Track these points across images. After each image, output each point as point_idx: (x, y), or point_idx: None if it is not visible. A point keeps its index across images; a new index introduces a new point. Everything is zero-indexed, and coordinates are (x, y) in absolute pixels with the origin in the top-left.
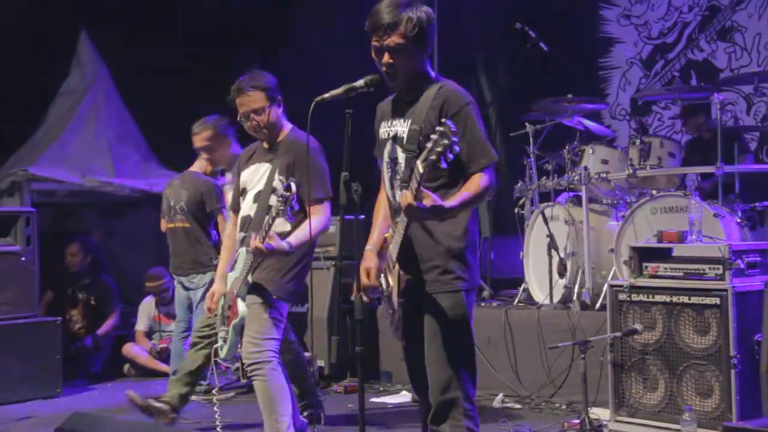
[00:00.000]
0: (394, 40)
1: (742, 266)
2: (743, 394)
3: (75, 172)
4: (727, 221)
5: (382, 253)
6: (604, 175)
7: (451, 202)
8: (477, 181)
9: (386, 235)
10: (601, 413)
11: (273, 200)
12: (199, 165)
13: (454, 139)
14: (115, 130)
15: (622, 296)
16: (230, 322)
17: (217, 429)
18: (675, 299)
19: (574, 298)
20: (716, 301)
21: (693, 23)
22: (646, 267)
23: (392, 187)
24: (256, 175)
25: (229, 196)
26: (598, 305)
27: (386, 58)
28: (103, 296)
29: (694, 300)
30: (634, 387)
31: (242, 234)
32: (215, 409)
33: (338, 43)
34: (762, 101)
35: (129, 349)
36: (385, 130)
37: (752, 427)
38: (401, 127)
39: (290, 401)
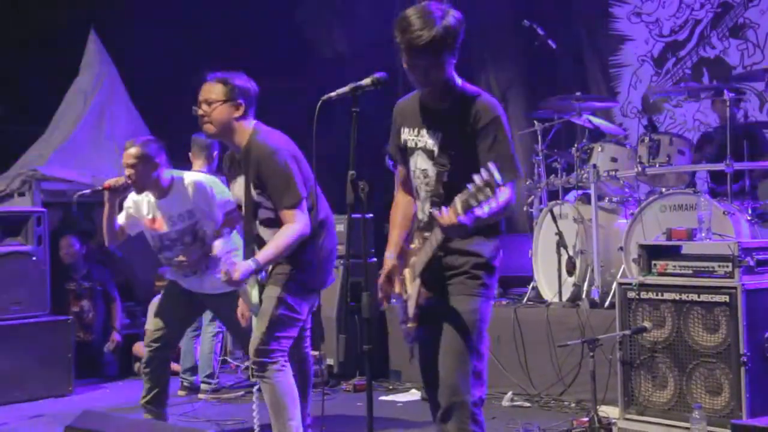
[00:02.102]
0: (430, 60)
1: (751, 264)
2: (753, 392)
3: (85, 171)
4: (737, 219)
5: (401, 255)
6: (613, 172)
7: (482, 211)
8: (505, 195)
9: (412, 246)
10: (610, 411)
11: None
12: (198, 164)
13: (497, 191)
14: (124, 129)
15: (631, 294)
16: None
17: (255, 427)
18: (684, 297)
19: (583, 296)
20: (726, 298)
21: (705, 20)
22: (655, 265)
23: (419, 198)
24: (241, 190)
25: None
26: (607, 303)
27: (419, 72)
28: (106, 281)
29: (704, 298)
30: (643, 385)
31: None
32: (253, 408)
33: None
34: None
35: (140, 348)
36: (411, 138)
37: (762, 425)
38: (430, 139)
39: (298, 404)
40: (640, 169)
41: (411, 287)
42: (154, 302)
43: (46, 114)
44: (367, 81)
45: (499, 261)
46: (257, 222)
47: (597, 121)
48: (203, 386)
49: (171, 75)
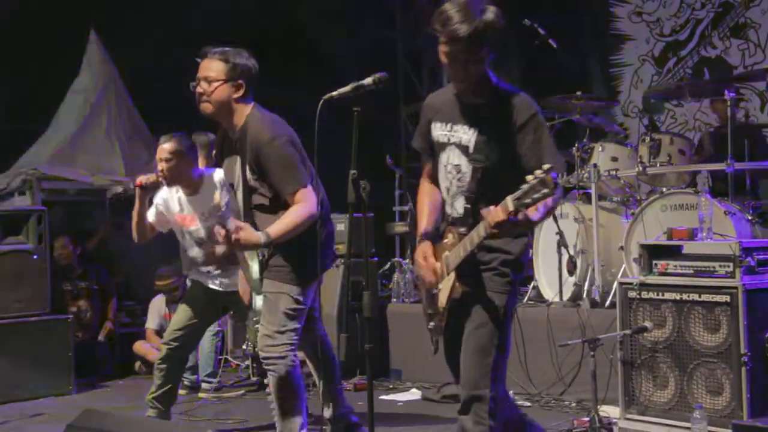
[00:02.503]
0: (470, 53)
1: (752, 264)
2: (754, 392)
3: (85, 170)
4: (738, 218)
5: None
6: (614, 172)
7: (536, 214)
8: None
9: (444, 240)
10: (610, 411)
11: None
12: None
13: (557, 191)
14: (124, 128)
15: (631, 294)
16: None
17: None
18: (685, 297)
19: (584, 295)
20: (726, 298)
21: (706, 20)
22: (656, 264)
23: (448, 194)
24: (234, 171)
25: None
26: (607, 303)
27: (458, 66)
28: (102, 277)
29: (705, 297)
30: (644, 385)
31: None
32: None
33: None
34: None
35: (140, 346)
36: (444, 133)
37: (762, 425)
38: (465, 135)
39: (304, 398)
40: (640, 168)
41: (444, 283)
42: (155, 301)
43: (46, 113)
44: (368, 80)
45: (527, 259)
46: (251, 207)
47: (598, 120)
48: (204, 385)
49: (171, 75)
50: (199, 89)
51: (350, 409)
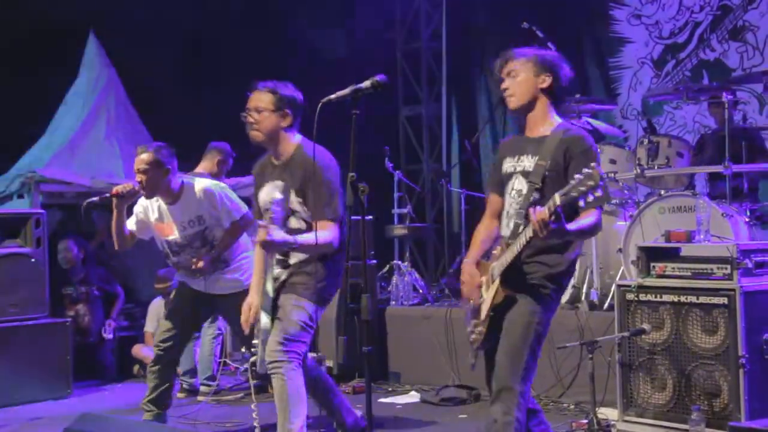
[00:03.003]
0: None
1: (750, 266)
2: (752, 394)
3: (84, 173)
4: (736, 221)
5: (477, 266)
6: (612, 174)
7: (572, 226)
8: (593, 216)
9: (494, 252)
10: (609, 413)
11: (294, 223)
12: (204, 166)
13: (601, 183)
14: (123, 131)
15: (630, 296)
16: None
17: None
18: (683, 299)
19: (582, 298)
20: (724, 300)
21: (704, 23)
22: (654, 267)
23: (507, 216)
24: (270, 195)
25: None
26: (606, 305)
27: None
28: (105, 281)
29: (702, 300)
30: (642, 387)
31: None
32: (253, 408)
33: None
34: None
35: (138, 350)
36: (511, 164)
37: (759, 427)
38: (528, 162)
39: (305, 405)
40: (639, 171)
41: (487, 292)
42: (154, 304)
43: (45, 116)
44: (366, 84)
45: (570, 276)
46: (285, 230)
47: (596, 123)
48: (203, 388)
49: (170, 77)
50: (249, 119)
51: (357, 416)
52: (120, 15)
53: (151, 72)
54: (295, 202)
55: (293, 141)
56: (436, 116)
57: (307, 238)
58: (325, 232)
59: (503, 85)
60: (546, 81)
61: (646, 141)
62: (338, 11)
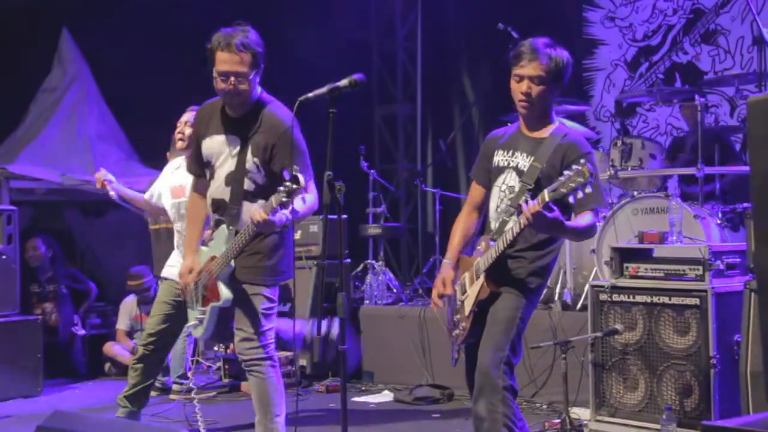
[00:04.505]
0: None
1: (721, 267)
2: (722, 394)
3: (55, 170)
4: (708, 222)
5: (457, 264)
6: None
7: (568, 223)
8: (588, 218)
9: (478, 247)
10: (581, 413)
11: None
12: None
13: (591, 180)
14: (95, 128)
15: (603, 296)
16: (208, 303)
17: (200, 429)
18: (655, 300)
19: (556, 298)
20: (696, 301)
21: (677, 26)
22: (627, 267)
23: (496, 210)
24: (223, 150)
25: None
26: (579, 306)
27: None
28: (74, 279)
29: (675, 300)
30: (614, 387)
31: (216, 216)
32: (197, 409)
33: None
34: (745, 103)
35: (110, 348)
36: (504, 158)
37: (731, 425)
38: (523, 161)
39: (285, 400)
40: (612, 172)
41: (471, 288)
42: (126, 301)
43: (16, 111)
44: (344, 82)
45: (551, 272)
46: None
47: (570, 124)
48: (175, 387)
49: (144, 75)
50: (230, 87)
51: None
52: (94, 12)
53: (125, 70)
54: (250, 161)
55: (257, 96)
56: (410, 116)
57: (304, 207)
58: (313, 197)
59: (523, 88)
60: (557, 90)
61: (619, 142)
62: (313, 10)
